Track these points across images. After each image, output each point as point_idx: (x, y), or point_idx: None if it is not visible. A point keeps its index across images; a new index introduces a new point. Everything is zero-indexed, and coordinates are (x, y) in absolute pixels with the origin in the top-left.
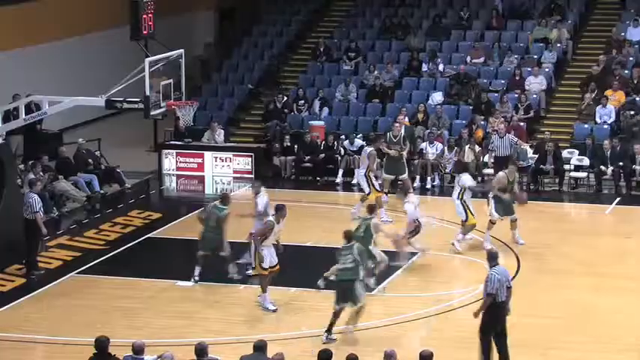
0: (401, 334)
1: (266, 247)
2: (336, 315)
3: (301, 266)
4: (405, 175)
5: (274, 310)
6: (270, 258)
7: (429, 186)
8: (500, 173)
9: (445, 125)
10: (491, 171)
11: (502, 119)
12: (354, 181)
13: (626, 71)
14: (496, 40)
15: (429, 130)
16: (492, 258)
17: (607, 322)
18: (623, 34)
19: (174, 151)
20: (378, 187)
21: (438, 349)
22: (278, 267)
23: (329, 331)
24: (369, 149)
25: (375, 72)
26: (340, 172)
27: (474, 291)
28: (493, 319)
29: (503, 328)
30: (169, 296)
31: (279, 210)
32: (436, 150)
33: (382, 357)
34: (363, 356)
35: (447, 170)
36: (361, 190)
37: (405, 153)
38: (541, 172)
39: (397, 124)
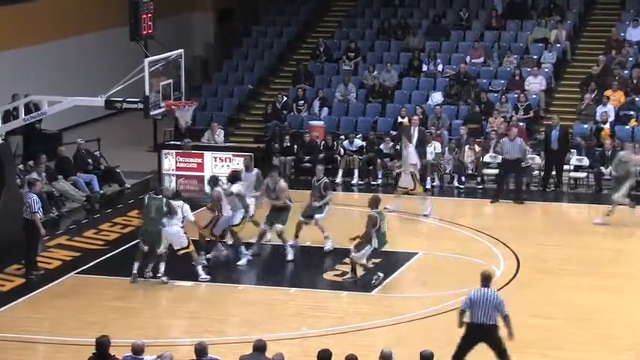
0: (400, 335)
1: None
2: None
3: (301, 266)
4: None
5: None
6: None
7: (428, 186)
8: (283, 183)
9: (445, 125)
10: (494, 171)
11: (502, 119)
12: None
13: (626, 71)
14: (496, 40)
15: (427, 130)
16: (482, 279)
17: (608, 323)
18: (622, 34)
19: (173, 151)
20: None
21: (436, 350)
22: None
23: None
24: None
25: (375, 72)
26: (340, 172)
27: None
28: (465, 336)
29: (495, 349)
30: (168, 296)
31: None
32: (434, 150)
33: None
34: (362, 357)
35: (447, 171)
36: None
37: None
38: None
39: None
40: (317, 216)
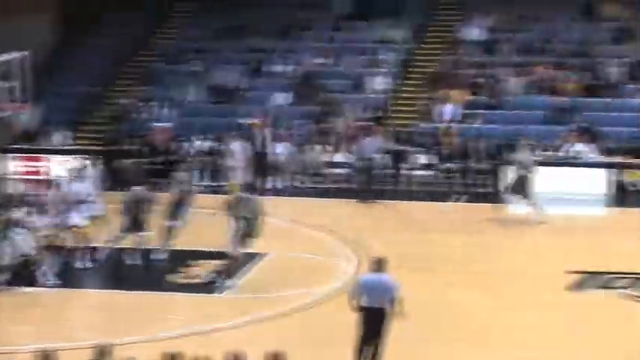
0: (252, 335)
1: None
2: None
3: (151, 269)
4: None
5: None
6: None
7: (279, 186)
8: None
9: (291, 126)
10: (343, 171)
11: (349, 119)
12: None
13: (469, 70)
14: (340, 40)
15: (276, 131)
16: (374, 264)
17: (456, 317)
18: (464, 34)
19: (18, 155)
20: None
21: (289, 350)
22: None
23: None
24: None
25: (222, 73)
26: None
27: (329, 290)
28: (359, 321)
29: (374, 335)
30: (13, 303)
31: None
32: (283, 150)
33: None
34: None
35: (295, 171)
36: None
37: None
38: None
39: None
40: (179, 222)
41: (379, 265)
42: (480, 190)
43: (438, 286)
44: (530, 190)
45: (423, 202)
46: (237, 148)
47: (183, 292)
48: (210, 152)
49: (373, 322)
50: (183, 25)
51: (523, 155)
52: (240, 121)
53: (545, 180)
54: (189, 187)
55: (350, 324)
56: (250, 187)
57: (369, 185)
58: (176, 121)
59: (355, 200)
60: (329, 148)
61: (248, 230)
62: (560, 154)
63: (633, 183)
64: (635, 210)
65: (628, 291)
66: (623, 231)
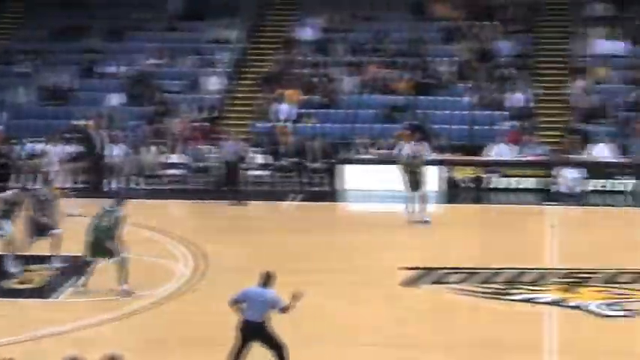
0: (86, 339)
1: None
2: None
3: None
4: None
5: None
6: None
7: (115, 188)
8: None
9: (126, 127)
10: (178, 172)
11: (185, 120)
12: None
13: (303, 70)
14: (174, 41)
15: (111, 132)
16: (261, 277)
17: (297, 317)
18: (297, 34)
19: None
20: None
21: (125, 353)
22: None
23: None
24: None
25: (53, 74)
26: (20, 177)
27: (167, 292)
28: (238, 332)
29: (267, 345)
30: None
31: None
32: (119, 152)
33: None
34: None
35: (129, 172)
36: None
37: None
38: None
39: None
40: (56, 231)
41: (266, 279)
42: (316, 188)
43: (274, 287)
44: (424, 186)
45: (259, 202)
46: (54, 150)
47: (18, 297)
48: (42, 155)
49: (250, 335)
50: (13, 26)
51: (409, 149)
52: (74, 122)
53: (379, 178)
54: (52, 191)
55: (190, 325)
56: (115, 195)
57: (225, 186)
58: (6, 123)
59: (191, 201)
60: (164, 149)
61: (108, 238)
62: (394, 152)
63: (463, 180)
64: (466, 206)
65: (461, 285)
66: (454, 227)
